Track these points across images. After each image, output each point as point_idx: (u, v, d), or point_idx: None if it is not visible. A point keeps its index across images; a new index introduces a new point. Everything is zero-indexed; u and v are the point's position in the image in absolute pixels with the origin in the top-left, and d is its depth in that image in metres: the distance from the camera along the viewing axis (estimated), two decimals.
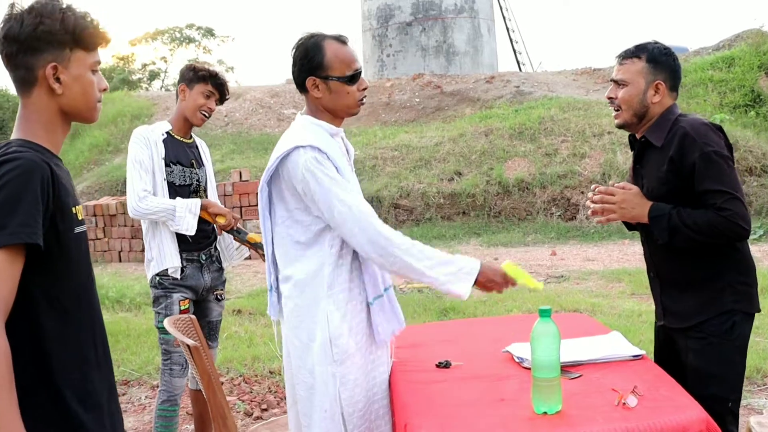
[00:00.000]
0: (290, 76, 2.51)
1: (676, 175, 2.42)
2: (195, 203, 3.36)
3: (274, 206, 2.42)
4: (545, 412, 2.04)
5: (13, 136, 1.72)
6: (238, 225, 3.49)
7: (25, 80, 1.71)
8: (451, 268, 2.31)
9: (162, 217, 3.31)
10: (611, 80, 2.61)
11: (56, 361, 1.65)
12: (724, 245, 2.45)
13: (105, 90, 1.80)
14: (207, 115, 3.47)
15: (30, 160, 1.60)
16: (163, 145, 3.41)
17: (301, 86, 2.46)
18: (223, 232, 3.53)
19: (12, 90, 19.69)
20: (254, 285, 8.54)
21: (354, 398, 2.37)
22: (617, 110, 2.57)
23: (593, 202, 2.58)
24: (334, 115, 2.48)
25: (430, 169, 12.62)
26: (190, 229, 3.32)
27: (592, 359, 2.44)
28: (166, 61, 36.58)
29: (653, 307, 2.75)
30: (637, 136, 2.62)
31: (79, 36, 1.71)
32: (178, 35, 36.10)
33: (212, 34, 36.27)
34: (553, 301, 6.68)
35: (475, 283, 2.33)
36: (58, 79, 1.70)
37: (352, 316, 2.39)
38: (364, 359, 2.41)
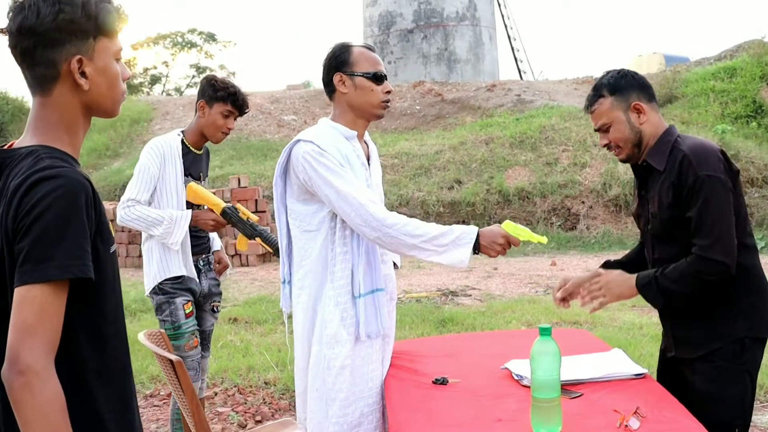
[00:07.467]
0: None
1: (679, 200, 2.34)
2: (185, 217, 3.29)
3: (287, 199, 2.55)
4: None
5: (30, 141, 1.52)
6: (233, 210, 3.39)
7: (44, 77, 1.51)
8: (446, 239, 2.41)
9: (145, 226, 3.23)
10: (595, 130, 2.55)
11: (100, 394, 1.50)
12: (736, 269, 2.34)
13: (128, 79, 1.62)
14: (226, 133, 3.47)
15: (72, 179, 1.41)
16: (182, 159, 3.37)
17: (329, 86, 2.58)
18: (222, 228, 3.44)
19: (12, 92, 19.54)
20: (251, 293, 8.46)
21: (337, 385, 2.45)
22: (618, 150, 2.51)
23: (580, 296, 2.67)
24: (358, 114, 2.58)
25: (430, 177, 12.58)
26: (176, 242, 3.26)
27: (594, 378, 2.37)
28: (167, 66, 36.68)
29: (654, 319, 2.70)
30: (639, 162, 2.54)
31: (102, 22, 1.52)
32: (180, 40, 36.15)
33: (214, 39, 36.32)
34: (553, 312, 6.61)
35: (478, 249, 2.43)
36: (83, 73, 1.51)
37: (344, 307, 2.47)
38: (352, 350, 2.47)
